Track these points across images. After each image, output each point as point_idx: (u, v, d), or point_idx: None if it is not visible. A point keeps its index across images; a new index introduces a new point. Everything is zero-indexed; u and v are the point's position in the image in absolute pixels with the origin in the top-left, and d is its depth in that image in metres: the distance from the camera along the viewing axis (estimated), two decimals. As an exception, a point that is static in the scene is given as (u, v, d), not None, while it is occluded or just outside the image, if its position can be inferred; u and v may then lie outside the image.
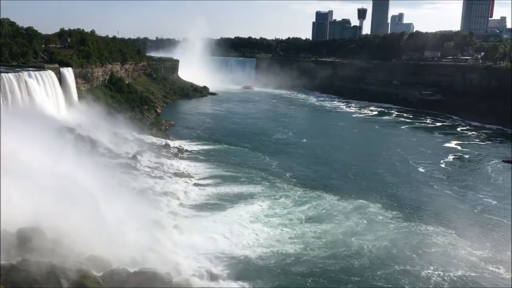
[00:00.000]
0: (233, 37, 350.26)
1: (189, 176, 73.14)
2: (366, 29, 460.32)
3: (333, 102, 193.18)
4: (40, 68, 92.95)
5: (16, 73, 77.57)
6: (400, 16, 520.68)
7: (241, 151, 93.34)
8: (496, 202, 67.11)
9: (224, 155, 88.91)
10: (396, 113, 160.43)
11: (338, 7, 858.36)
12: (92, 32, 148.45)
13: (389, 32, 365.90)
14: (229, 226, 53.73)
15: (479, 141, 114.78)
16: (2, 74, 72.09)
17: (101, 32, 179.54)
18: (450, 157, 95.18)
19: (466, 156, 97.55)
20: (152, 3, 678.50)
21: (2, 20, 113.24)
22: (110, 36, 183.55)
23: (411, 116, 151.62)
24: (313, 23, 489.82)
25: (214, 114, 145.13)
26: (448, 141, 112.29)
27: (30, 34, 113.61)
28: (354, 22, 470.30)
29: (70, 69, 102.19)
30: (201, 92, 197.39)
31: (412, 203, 65.45)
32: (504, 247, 51.45)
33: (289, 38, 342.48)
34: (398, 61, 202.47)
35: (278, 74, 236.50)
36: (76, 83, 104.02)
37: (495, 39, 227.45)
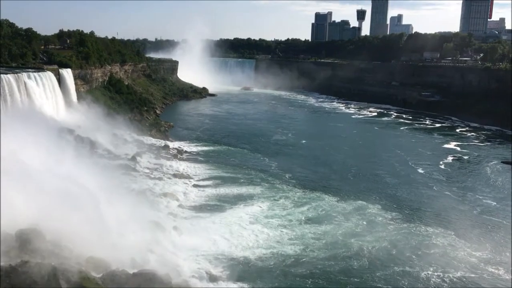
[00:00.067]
0: (232, 38, 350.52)
1: (188, 177, 73.12)
2: (365, 30, 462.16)
3: (332, 103, 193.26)
4: (39, 69, 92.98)
5: (15, 74, 77.56)
6: (399, 17, 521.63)
7: (241, 152, 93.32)
8: (495, 203, 67.15)
9: (224, 156, 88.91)
10: (395, 114, 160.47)
11: (337, 8, 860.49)
12: (92, 33, 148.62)
13: (388, 33, 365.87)
14: (228, 227, 53.73)
15: (478, 142, 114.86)
16: (2, 75, 72.06)
17: (100, 33, 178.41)
18: (449, 158, 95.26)
19: (465, 157, 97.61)
20: (151, 4, 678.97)
21: (1, 21, 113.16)
22: (110, 37, 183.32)
23: (410, 117, 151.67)
24: (312, 24, 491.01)
25: (213, 115, 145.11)
26: (447, 142, 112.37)
27: (29, 35, 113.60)
28: (353, 23, 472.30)
29: (69, 70, 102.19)
30: (200, 93, 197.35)
31: (411, 204, 65.48)
32: (504, 248, 51.49)
33: (288, 39, 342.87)
34: (397, 62, 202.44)
35: (278, 75, 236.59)
36: (75, 84, 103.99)
37: (494, 40, 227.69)
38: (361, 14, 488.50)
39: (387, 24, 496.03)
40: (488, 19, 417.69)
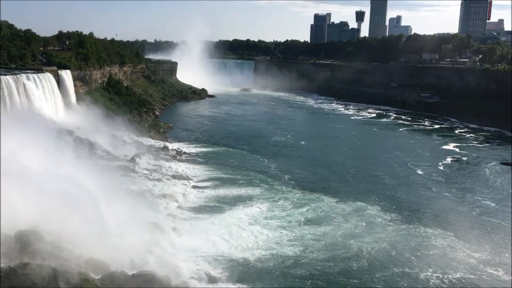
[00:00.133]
0: (231, 40, 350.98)
1: (187, 178, 73.13)
2: (364, 32, 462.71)
3: (332, 104, 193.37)
4: (39, 70, 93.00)
5: (15, 76, 77.57)
6: (398, 18, 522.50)
7: (240, 153, 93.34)
8: (494, 204, 67.23)
9: (223, 158, 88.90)
10: (394, 115, 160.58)
11: (336, 9, 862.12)
12: (91, 34, 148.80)
13: (387, 34, 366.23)
14: (228, 229, 53.77)
15: (477, 143, 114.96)
16: (1, 77, 72.08)
17: (99, 34, 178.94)
18: (448, 159, 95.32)
19: (464, 158, 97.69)
20: (150, 5, 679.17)
21: (0, 22, 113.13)
22: (109, 38, 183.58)
23: (409, 118, 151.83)
24: (311, 25, 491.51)
25: (212, 117, 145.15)
26: (446, 143, 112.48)
27: (28, 36, 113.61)
28: (352, 24, 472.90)
29: (68, 71, 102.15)
30: (199, 94, 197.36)
31: (410, 205, 65.52)
32: (503, 249, 51.55)
33: (287, 40, 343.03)
34: (396, 63, 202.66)
35: (277, 76, 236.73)
36: (75, 85, 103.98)
37: (493, 42, 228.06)
38: (360, 16, 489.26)
39: (386, 25, 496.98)
40: (487, 21, 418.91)
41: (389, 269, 46.18)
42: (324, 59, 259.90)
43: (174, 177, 72.60)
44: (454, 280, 44.66)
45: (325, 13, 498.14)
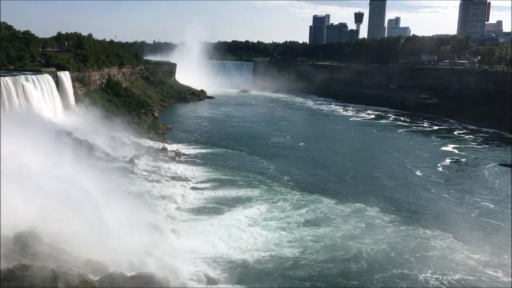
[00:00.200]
0: (230, 41, 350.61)
1: (186, 179, 73.08)
2: (363, 33, 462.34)
3: (330, 105, 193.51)
4: (37, 71, 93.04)
5: (13, 77, 77.53)
6: (397, 20, 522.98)
7: (239, 154, 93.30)
8: (493, 206, 67.23)
9: (222, 159, 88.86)
10: (393, 116, 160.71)
11: (335, 11, 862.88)
12: (89, 35, 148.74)
13: (386, 35, 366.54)
14: (227, 230, 53.72)
15: (476, 144, 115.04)
16: (0, 78, 71.95)
17: (98, 36, 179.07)
18: (447, 161, 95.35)
19: (463, 160, 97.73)
20: (149, 7, 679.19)
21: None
22: (108, 39, 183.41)
23: (408, 120, 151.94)
24: (310, 27, 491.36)
25: (211, 118, 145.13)
26: (445, 145, 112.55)
27: (27, 37, 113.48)
28: (351, 26, 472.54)
29: (67, 72, 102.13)
30: (198, 95, 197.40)
31: (409, 207, 65.51)
32: (502, 250, 51.55)
33: (286, 42, 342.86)
34: (395, 64, 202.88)
35: (275, 77, 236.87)
36: (73, 86, 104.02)
37: (491, 43, 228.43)
38: (359, 17, 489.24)
39: (385, 27, 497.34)
40: (486, 22, 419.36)
41: (388, 271, 46.12)
42: (323, 61, 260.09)
43: (173, 178, 72.57)
44: (453, 282, 44.62)
45: (323, 14, 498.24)
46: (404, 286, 43.78)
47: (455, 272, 46.18)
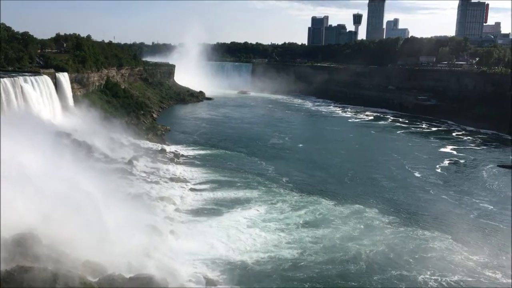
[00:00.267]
0: (229, 42, 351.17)
1: (185, 181, 73.02)
2: (362, 35, 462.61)
3: (329, 107, 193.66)
4: (36, 73, 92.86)
5: (12, 78, 77.36)
6: (396, 21, 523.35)
7: (238, 156, 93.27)
8: (492, 207, 67.29)
9: (221, 160, 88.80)
10: (392, 118, 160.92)
11: (333, 12, 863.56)
12: (88, 37, 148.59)
13: (384, 37, 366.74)
14: (226, 231, 53.67)
15: (474, 146, 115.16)
16: (-2, 79, 71.90)
17: (97, 37, 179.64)
18: (446, 162, 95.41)
19: (462, 161, 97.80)
20: (148, 8, 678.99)
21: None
22: (106, 41, 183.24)
23: (407, 121, 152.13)
24: (309, 28, 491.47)
25: (210, 119, 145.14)
26: (444, 146, 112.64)
27: (25, 39, 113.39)
28: (350, 27, 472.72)
29: (66, 74, 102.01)
30: (197, 97, 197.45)
31: (408, 208, 65.53)
32: (501, 252, 51.60)
33: (285, 43, 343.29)
34: (393, 66, 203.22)
35: (274, 79, 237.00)
36: (72, 88, 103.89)
37: (490, 45, 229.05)
38: (357, 18, 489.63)
39: (383, 28, 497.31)
40: (484, 24, 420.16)
41: (387, 272, 46.12)
42: (322, 62, 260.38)
43: (171, 179, 72.51)
44: (452, 283, 44.63)
45: (322, 16, 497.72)
46: (403, 287, 43.78)
47: (454, 274, 46.20)
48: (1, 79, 73.44)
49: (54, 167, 48.36)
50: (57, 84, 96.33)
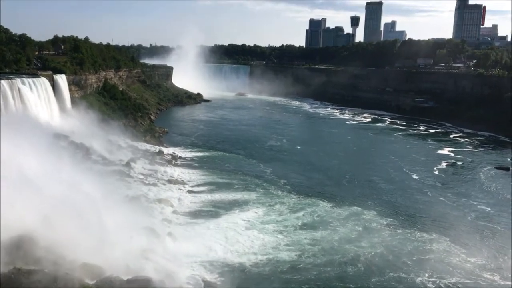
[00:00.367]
0: (227, 44, 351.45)
1: (183, 183, 72.88)
2: (359, 37, 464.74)
3: (327, 109, 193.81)
4: (34, 75, 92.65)
5: (9, 80, 77.16)
6: (393, 23, 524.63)
7: (235, 158, 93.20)
8: (489, 209, 67.37)
9: (218, 162, 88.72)
10: (389, 120, 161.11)
11: (331, 15, 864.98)
12: (86, 39, 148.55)
13: (382, 39, 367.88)
14: (224, 233, 53.58)
15: (472, 148, 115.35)
16: (-5, 81, 71.72)
17: (95, 39, 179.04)
18: (443, 164, 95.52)
19: (459, 163, 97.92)
20: (146, 10, 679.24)
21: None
22: (104, 43, 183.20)
23: (404, 123, 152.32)
24: (307, 30, 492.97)
25: (208, 121, 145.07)
26: (441, 148, 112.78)
27: (23, 41, 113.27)
28: (347, 29, 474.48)
29: (63, 76, 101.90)
30: (195, 99, 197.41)
31: (406, 210, 65.56)
32: (499, 254, 51.65)
33: (282, 45, 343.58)
34: (391, 68, 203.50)
35: (272, 81, 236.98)
36: (70, 90, 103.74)
37: (487, 47, 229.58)
38: (355, 21, 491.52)
39: (381, 31, 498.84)
40: (481, 26, 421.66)
41: (385, 274, 46.12)
42: (320, 64, 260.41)
43: (169, 181, 72.35)
44: (450, 285, 44.65)
45: (320, 18, 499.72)
46: (401, 289, 43.81)
47: (452, 276, 46.22)
48: (-1, 81, 73.31)
49: (52, 169, 48.17)
50: (54, 86, 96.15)
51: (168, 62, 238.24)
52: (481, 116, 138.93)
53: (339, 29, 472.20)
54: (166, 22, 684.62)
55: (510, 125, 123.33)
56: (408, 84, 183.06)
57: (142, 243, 44.52)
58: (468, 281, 45.40)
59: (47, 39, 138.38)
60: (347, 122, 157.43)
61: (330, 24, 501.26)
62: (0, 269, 31.13)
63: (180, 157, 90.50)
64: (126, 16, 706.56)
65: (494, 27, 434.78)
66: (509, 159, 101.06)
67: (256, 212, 61.12)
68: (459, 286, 44.64)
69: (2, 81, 74.06)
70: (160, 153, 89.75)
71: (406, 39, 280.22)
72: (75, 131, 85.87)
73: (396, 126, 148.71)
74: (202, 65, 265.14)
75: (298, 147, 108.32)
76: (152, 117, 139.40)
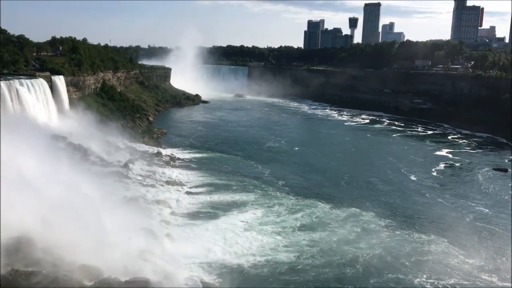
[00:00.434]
0: (225, 46, 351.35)
1: (181, 184, 72.83)
2: (358, 38, 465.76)
3: (325, 110, 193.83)
4: (32, 76, 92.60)
5: (7, 81, 77.09)
6: (391, 25, 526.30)
7: (234, 159, 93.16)
8: (487, 210, 67.45)
9: (217, 163, 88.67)
10: (388, 121, 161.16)
11: (329, 16, 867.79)
12: (84, 40, 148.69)
13: (380, 41, 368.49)
14: (222, 234, 53.54)
15: (470, 149, 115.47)
16: (-7, 82, 71.63)
17: (93, 40, 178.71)
18: (442, 165, 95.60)
19: (457, 164, 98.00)
20: (145, 11, 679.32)
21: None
22: (102, 44, 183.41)
23: (403, 124, 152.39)
24: (305, 31, 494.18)
25: (206, 122, 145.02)
26: (439, 149, 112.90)
27: (21, 42, 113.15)
28: (346, 31, 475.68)
29: (61, 77, 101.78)
30: (193, 100, 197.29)
31: (404, 211, 65.60)
32: (497, 255, 51.71)
33: (281, 46, 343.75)
34: (389, 69, 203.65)
35: (271, 82, 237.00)
36: (68, 91, 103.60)
37: (485, 48, 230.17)
38: (353, 22, 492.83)
39: (379, 32, 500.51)
40: (479, 27, 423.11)
41: (383, 275, 46.13)
42: (318, 65, 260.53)
43: (167, 183, 72.27)
44: (448, 286, 44.69)
45: (318, 19, 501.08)
46: (400, 290, 43.82)
47: (450, 277, 46.26)
48: (-3, 82, 73.22)
49: (50, 170, 48.13)
50: (52, 87, 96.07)
51: (167, 63, 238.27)
52: (479, 117, 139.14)
53: (337, 31, 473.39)
54: (165, 23, 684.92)
55: (508, 127, 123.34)
56: (406, 85, 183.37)
57: (141, 245, 44.45)
58: (466, 283, 45.43)
59: (45, 40, 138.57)
60: (346, 123, 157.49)
61: (329, 26, 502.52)
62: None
63: (179, 158, 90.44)
64: (125, 17, 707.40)
65: (492, 28, 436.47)
66: (507, 160, 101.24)
67: (254, 213, 61.11)
68: (457, 287, 44.66)
69: (0, 83, 73.98)
70: (158, 154, 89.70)
71: (404, 40, 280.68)
72: (73, 132, 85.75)
73: (394, 127, 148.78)
74: (201, 66, 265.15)
75: (297, 148, 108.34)
76: (150, 118, 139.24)
